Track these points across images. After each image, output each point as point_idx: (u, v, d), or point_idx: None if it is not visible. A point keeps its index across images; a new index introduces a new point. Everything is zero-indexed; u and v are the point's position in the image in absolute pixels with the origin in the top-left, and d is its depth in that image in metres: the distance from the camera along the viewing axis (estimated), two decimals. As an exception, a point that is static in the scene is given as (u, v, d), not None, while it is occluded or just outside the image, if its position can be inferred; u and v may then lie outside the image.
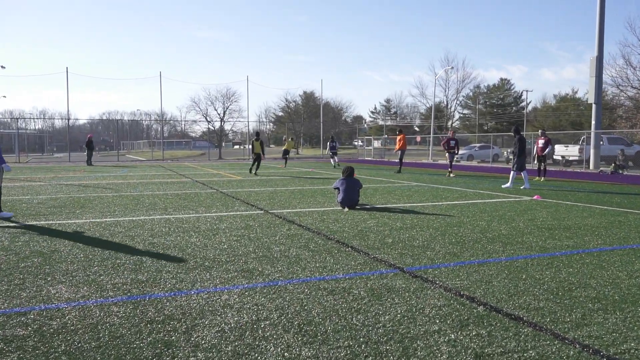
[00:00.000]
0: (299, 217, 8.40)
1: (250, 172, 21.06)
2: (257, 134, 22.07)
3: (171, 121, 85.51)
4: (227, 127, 64.04)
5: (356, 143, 50.60)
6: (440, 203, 10.37)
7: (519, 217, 8.32)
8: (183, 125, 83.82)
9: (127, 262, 5.19)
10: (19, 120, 65.76)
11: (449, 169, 19.74)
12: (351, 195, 9.43)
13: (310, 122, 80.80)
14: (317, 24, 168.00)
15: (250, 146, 23.00)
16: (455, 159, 19.33)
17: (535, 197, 11.33)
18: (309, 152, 70.69)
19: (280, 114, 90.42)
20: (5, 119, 77.95)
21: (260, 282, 4.44)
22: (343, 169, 9.91)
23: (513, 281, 4.44)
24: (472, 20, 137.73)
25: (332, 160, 29.43)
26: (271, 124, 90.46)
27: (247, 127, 58.05)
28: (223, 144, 64.36)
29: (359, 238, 6.47)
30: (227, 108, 60.29)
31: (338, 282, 4.43)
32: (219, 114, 60.35)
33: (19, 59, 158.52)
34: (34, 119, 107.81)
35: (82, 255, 5.52)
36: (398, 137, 21.85)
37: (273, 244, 6.13)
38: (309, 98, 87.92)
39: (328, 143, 30.09)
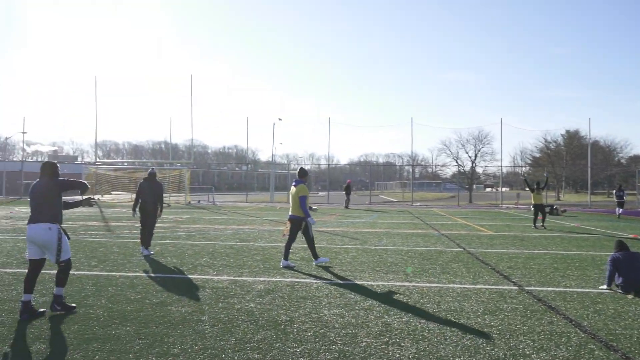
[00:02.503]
0: (564, 301, 6.80)
1: (535, 226, 18.73)
2: (538, 184, 19.22)
3: (422, 163, 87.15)
4: (478, 169, 62.05)
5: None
6: None
7: None
8: (434, 168, 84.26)
9: (348, 356, 4.65)
10: (291, 163, 75.61)
11: None
12: (634, 277, 7.32)
13: (574, 165, 72.23)
14: (579, 55, 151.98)
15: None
16: None
17: None
18: (573, 199, 62.85)
19: (538, 155, 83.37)
20: (283, 162, 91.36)
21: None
22: (615, 243, 7.98)
23: None
24: None
25: (617, 209, 27.06)
26: (527, 166, 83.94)
27: (500, 170, 54.97)
28: (474, 186, 62.28)
29: (656, 354, 4.70)
30: (478, 151, 58.49)
31: None
32: (470, 157, 58.85)
33: (290, 109, 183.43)
34: (301, 164, 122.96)
35: (312, 332, 5.23)
36: None
37: (528, 346, 4.86)
38: (572, 138, 78.88)
39: (614, 192, 27.66)
